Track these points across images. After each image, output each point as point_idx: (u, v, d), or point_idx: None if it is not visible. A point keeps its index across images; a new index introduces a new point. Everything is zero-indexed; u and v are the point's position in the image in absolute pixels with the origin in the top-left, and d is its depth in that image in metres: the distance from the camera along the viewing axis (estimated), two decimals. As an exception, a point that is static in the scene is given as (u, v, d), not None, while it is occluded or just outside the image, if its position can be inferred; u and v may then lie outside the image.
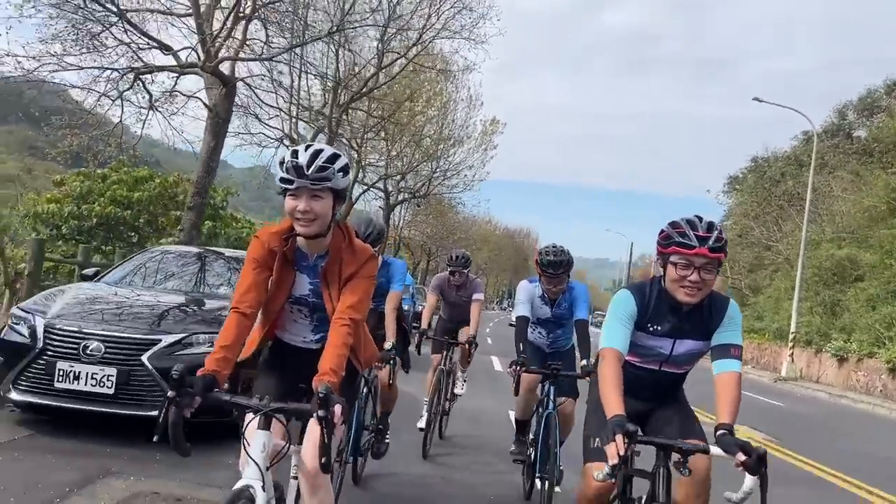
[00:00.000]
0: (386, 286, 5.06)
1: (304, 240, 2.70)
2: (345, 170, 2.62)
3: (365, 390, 4.85)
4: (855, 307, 23.77)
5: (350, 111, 20.09)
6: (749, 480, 2.41)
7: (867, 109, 36.96)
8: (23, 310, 5.47)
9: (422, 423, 6.39)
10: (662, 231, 2.83)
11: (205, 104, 12.15)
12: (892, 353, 20.30)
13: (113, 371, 4.96)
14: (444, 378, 6.48)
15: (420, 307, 23.52)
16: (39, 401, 5.04)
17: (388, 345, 4.79)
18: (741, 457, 2.39)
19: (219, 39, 11.67)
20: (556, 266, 4.88)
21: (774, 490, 2.59)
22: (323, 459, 2.24)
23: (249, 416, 2.41)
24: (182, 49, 11.93)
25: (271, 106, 16.02)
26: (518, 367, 4.63)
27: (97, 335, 5.06)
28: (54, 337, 5.08)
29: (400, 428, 6.26)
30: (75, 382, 4.94)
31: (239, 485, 2.32)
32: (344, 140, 21.04)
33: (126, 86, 12.36)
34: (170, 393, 2.23)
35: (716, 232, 2.74)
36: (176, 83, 12.99)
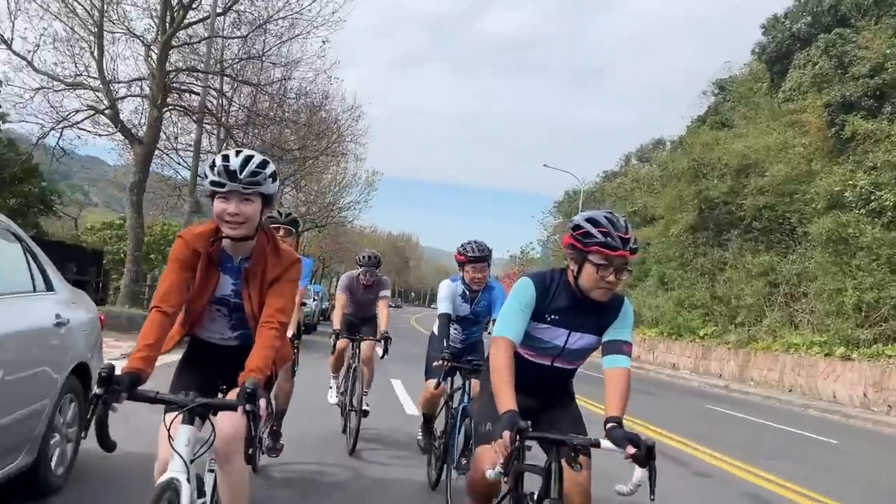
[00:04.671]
0: None
1: (230, 242, 2.71)
2: (274, 175, 2.69)
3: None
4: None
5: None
6: (638, 472, 2.44)
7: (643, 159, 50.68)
8: None
9: (332, 399, 7.02)
10: (580, 227, 2.73)
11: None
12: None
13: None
14: (352, 374, 6.45)
15: (324, 305, 30.70)
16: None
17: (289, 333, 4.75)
18: (631, 449, 2.42)
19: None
20: (481, 250, 5.11)
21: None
22: (249, 451, 2.31)
23: (171, 412, 2.41)
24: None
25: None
26: (445, 363, 4.91)
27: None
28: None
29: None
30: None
31: (165, 478, 2.34)
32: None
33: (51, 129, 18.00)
34: (98, 390, 2.22)
35: (632, 233, 2.74)
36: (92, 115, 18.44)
